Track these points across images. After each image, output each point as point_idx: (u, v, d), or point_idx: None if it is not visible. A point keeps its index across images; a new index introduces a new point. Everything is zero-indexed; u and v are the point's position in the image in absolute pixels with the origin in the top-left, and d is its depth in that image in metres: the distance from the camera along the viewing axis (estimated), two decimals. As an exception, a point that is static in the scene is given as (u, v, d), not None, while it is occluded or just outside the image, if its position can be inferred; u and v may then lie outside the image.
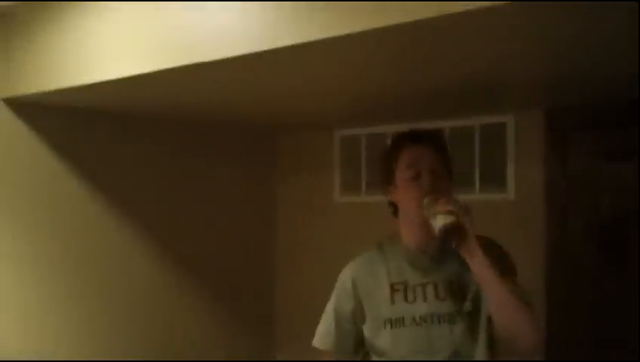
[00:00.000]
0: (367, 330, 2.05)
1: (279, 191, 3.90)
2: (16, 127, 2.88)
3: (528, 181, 3.09)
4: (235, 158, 3.71)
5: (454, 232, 1.83)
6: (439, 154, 2.01)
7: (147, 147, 3.36)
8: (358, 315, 2.06)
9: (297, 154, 3.85)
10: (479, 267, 1.83)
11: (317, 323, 2.35)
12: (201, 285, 3.54)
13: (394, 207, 2.09)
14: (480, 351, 1.95)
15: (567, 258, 3.00)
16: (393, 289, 2.01)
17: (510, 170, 3.13)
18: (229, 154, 3.69)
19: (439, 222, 1.84)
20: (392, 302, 2.00)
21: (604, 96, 2.67)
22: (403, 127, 3.32)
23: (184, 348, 3.46)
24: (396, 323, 1.99)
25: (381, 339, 2.02)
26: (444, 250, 1.97)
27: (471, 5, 1.59)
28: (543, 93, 2.76)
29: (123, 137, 3.25)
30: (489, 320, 1.91)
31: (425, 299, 1.98)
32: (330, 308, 2.13)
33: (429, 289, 1.99)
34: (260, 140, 3.81)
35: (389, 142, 2.14)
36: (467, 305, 1.96)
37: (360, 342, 2.09)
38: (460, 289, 1.97)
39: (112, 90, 2.64)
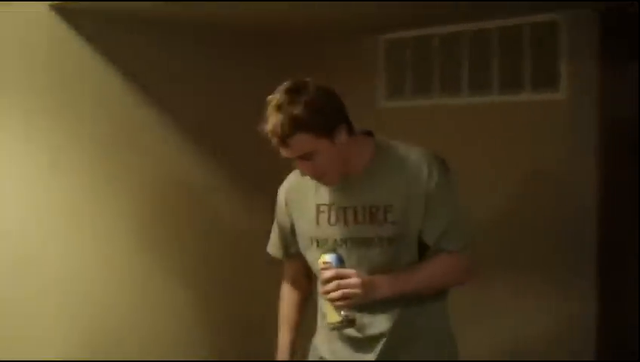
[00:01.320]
0: (299, 243, 2.16)
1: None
2: (63, 33, 2.90)
3: (581, 81, 3.01)
4: (278, 65, 3.65)
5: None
6: (302, 136, 1.90)
7: (195, 54, 3.35)
8: (293, 230, 2.17)
9: (342, 59, 3.78)
10: (390, 294, 1.97)
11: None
12: (239, 185, 3.57)
13: None
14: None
15: (621, 160, 2.92)
16: (319, 210, 2.06)
17: (562, 70, 3.05)
18: (272, 61, 3.63)
19: (329, 319, 1.95)
20: (317, 222, 2.06)
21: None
22: (451, 28, 3.31)
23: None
24: (321, 243, 2.06)
25: (309, 255, 2.12)
26: (371, 177, 2.02)
27: None
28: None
29: (170, 44, 3.26)
30: (404, 243, 2.01)
31: (346, 223, 2.03)
32: (275, 219, 2.24)
33: (350, 214, 2.03)
34: (304, 47, 3.74)
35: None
36: (386, 230, 1.99)
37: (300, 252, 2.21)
38: (379, 215, 2.00)
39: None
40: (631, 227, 2.92)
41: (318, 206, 2.07)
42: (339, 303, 1.89)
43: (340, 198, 2.04)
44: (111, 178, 3.09)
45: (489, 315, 3.26)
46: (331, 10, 3.00)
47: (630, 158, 2.91)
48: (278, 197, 2.21)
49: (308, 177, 2.07)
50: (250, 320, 3.39)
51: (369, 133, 2.09)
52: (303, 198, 2.12)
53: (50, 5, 2.84)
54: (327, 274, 1.90)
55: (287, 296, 2.31)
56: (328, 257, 1.93)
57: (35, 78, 2.84)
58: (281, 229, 2.22)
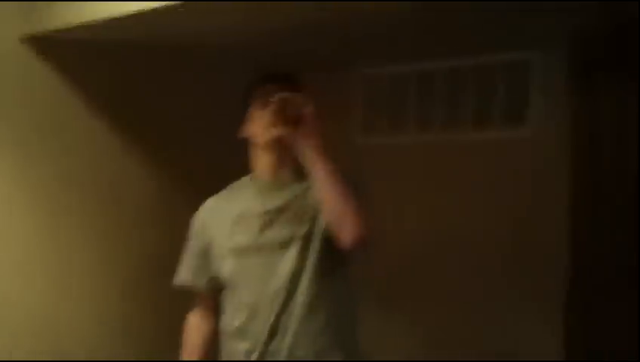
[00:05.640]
0: (214, 263, 2.20)
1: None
2: (34, 64, 2.89)
3: (551, 119, 3.06)
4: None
5: (289, 106, 1.97)
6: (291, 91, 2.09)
7: (166, 78, 3.36)
8: (209, 251, 2.21)
9: (318, 94, 3.80)
10: (311, 151, 1.98)
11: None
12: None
13: (249, 144, 2.22)
14: (310, 270, 2.08)
15: (594, 199, 2.95)
16: (234, 222, 2.15)
17: (532, 108, 3.10)
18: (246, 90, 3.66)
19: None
20: (234, 233, 2.14)
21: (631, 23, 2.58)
22: (426, 64, 3.36)
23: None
24: (238, 253, 2.13)
25: (225, 269, 2.17)
26: (288, 180, 2.13)
27: None
28: (567, 25, 2.68)
29: (140, 69, 3.27)
30: (323, 238, 2.06)
31: (263, 228, 2.11)
32: (186, 247, 2.29)
33: (268, 218, 2.11)
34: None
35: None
36: (302, 229, 2.08)
37: (214, 278, 2.24)
38: (297, 215, 2.09)
39: (131, 24, 2.65)
40: (600, 265, 2.93)
41: (233, 218, 2.15)
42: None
43: (257, 204, 2.13)
44: (67, 205, 3.07)
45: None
46: (309, 42, 3.04)
47: (601, 194, 2.96)
48: (193, 223, 2.27)
49: (228, 195, 2.24)
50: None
51: None
52: (220, 216, 2.20)
53: (20, 38, 2.84)
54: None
55: (197, 327, 2.33)
56: None
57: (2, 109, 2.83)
58: (195, 255, 2.26)
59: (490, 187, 3.26)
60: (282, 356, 2.08)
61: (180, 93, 3.45)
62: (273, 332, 2.09)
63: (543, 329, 3.08)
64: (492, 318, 3.25)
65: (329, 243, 2.07)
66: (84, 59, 3.06)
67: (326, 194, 2.00)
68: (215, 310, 2.30)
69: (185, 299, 2.40)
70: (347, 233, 1.98)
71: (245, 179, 2.25)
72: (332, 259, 2.09)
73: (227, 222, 2.17)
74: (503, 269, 3.22)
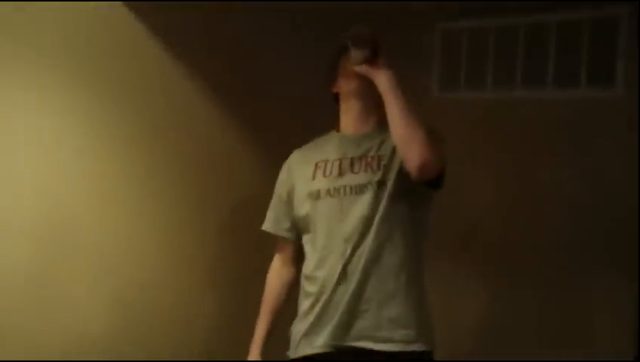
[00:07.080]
0: (294, 209, 2.33)
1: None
2: (128, 22, 2.88)
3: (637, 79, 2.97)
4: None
5: (364, 43, 2.14)
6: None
7: (247, 33, 3.34)
8: (291, 198, 2.35)
9: (396, 48, 3.77)
10: (385, 82, 2.13)
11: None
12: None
13: (337, 100, 2.35)
14: (381, 216, 2.17)
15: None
16: (316, 166, 2.29)
17: (621, 66, 3.01)
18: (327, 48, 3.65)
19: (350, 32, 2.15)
20: (313, 177, 2.27)
21: None
22: (509, 20, 3.29)
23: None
24: (315, 196, 2.25)
25: (302, 212, 2.29)
26: (369, 134, 2.27)
27: None
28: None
29: (226, 28, 3.26)
30: (396, 186, 2.17)
31: (340, 173, 2.23)
32: (273, 198, 2.44)
33: (345, 164, 2.24)
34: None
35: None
36: (377, 176, 2.19)
37: (294, 224, 2.38)
38: (373, 163, 2.21)
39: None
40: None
41: (316, 163, 2.30)
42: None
43: (337, 153, 2.27)
44: (150, 153, 3.03)
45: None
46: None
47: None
48: (280, 172, 2.41)
49: (313, 145, 2.38)
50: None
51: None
52: (303, 164, 2.35)
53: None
54: None
55: (274, 279, 2.46)
56: None
57: (85, 57, 2.78)
58: (279, 202, 2.40)
59: (569, 148, 3.21)
60: (345, 301, 2.17)
61: (268, 52, 3.45)
62: (341, 278, 2.18)
63: (618, 296, 3.06)
64: (563, 281, 3.22)
65: (402, 191, 2.18)
66: (175, 18, 3.05)
67: (395, 116, 2.10)
68: (297, 258, 2.42)
69: (271, 248, 2.50)
70: (414, 156, 2.05)
71: (330, 133, 2.37)
72: (404, 207, 2.19)
73: (308, 170, 2.30)
74: (579, 233, 3.18)
